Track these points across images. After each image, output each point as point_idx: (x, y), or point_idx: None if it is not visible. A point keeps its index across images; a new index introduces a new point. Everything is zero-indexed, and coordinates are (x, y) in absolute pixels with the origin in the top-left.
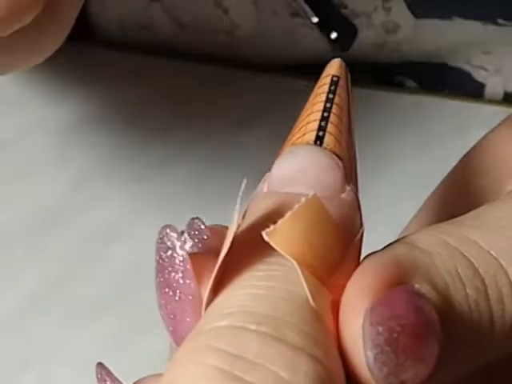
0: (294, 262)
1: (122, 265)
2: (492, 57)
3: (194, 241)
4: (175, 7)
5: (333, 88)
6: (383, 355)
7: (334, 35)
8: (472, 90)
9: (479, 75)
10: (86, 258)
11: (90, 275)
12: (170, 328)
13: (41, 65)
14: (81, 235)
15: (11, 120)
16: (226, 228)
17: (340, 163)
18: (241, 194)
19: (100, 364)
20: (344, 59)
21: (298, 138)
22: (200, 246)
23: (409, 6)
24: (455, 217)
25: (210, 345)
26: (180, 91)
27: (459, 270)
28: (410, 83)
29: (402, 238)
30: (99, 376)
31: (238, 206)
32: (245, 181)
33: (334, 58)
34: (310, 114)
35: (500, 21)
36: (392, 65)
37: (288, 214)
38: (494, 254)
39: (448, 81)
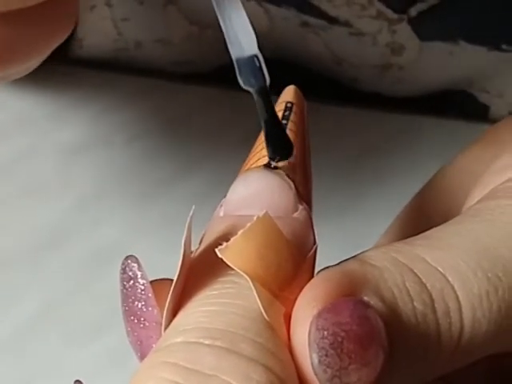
0: (247, 277)
1: None
2: (494, 81)
3: None
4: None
5: (286, 114)
6: (328, 358)
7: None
8: (477, 112)
9: (483, 97)
10: (88, 277)
11: (91, 294)
12: (138, 354)
13: (42, 85)
14: (82, 255)
15: (13, 142)
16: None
17: (292, 184)
18: (189, 219)
19: (77, 381)
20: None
21: (252, 164)
22: None
23: (414, 28)
24: None
25: (165, 360)
26: (180, 110)
27: (407, 284)
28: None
29: (355, 255)
30: None
31: (185, 230)
32: (193, 207)
33: None
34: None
35: (504, 46)
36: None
37: (240, 232)
38: (441, 270)
39: (452, 103)
